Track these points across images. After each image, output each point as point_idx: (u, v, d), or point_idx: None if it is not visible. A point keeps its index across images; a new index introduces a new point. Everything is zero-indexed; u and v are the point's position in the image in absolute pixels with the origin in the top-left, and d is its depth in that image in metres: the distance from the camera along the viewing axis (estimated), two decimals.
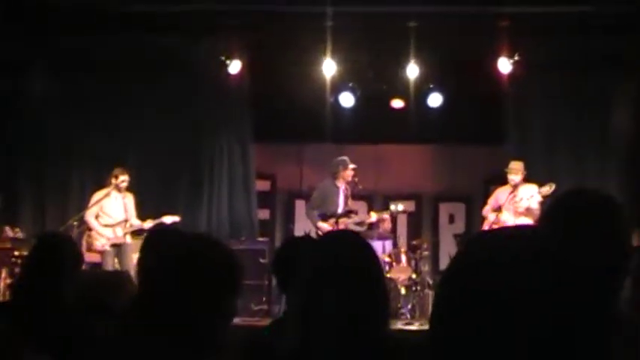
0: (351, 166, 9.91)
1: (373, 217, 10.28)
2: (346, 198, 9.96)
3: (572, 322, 0.99)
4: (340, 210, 9.90)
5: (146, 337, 1.95)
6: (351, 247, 2.22)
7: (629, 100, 10.69)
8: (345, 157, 10.04)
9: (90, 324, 3.19)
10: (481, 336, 1.00)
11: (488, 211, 9.88)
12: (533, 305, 0.99)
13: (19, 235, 9.81)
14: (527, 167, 9.72)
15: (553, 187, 9.15)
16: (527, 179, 9.59)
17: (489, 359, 1.00)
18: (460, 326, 1.03)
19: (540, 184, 9.35)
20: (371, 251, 2.29)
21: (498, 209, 9.67)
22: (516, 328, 0.99)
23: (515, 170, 9.57)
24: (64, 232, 8.24)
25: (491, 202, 9.90)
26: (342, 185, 9.99)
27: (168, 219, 9.42)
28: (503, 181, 9.73)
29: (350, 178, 9.92)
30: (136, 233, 9.59)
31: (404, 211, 10.92)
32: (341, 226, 9.62)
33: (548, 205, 2.12)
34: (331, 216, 9.78)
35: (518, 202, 9.41)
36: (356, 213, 10.25)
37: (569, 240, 1.82)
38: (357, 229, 9.94)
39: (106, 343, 2.13)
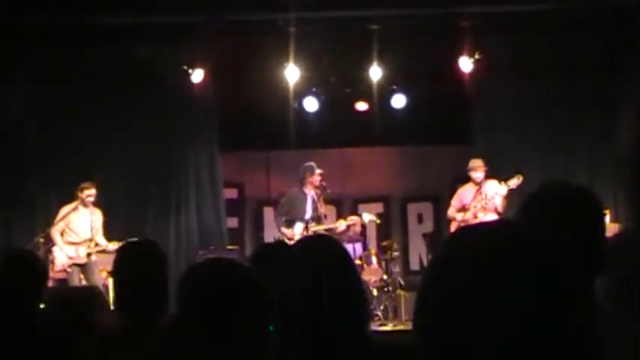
0: (318, 171, 9.92)
1: (342, 225, 10.20)
2: (315, 204, 9.95)
3: (554, 313, 0.99)
4: (308, 216, 9.89)
5: None
6: (329, 255, 2.22)
7: (595, 96, 10.81)
8: (312, 163, 10.04)
9: (70, 338, 3.16)
10: (465, 333, 1.00)
11: (453, 212, 9.92)
12: (514, 298, 0.99)
13: None
14: (493, 165, 9.80)
15: (521, 178, 9.23)
16: (489, 175, 9.65)
17: (476, 355, 1.00)
18: (443, 325, 1.03)
19: (504, 180, 9.43)
20: (347, 257, 2.30)
21: (463, 209, 9.72)
22: (499, 323, 0.99)
23: (478, 168, 9.62)
24: (29, 249, 8.11)
25: (455, 202, 9.94)
26: (309, 192, 9.99)
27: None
28: (469, 180, 9.79)
29: (318, 183, 9.92)
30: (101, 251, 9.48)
31: (375, 221, 10.83)
32: (310, 233, 9.61)
33: (525, 197, 2.14)
34: (300, 222, 9.77)
35: (485, 198, 9.47)
36: (325, 218, 10.21)
37: (545, 232, 1.84)
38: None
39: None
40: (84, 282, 9.26)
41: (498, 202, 9.38)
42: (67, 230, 9.38)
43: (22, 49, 10.37)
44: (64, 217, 9.34)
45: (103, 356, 2.76)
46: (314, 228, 9.83)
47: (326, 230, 9.96)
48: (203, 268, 2.08)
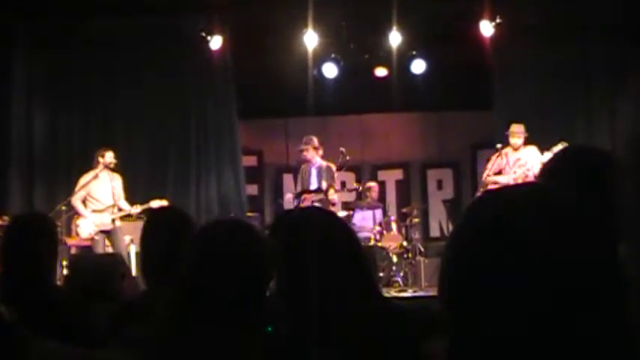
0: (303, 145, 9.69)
1: (334, 196, 9.75)
2: (319, 175, 9.62)
3: (592, 281, 0.96)
4: (311, 187, 9.64)
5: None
6: (318, 226, 2.23)
7: (617, 61, 10.64)
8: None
9: (86, 308, 3.17)
10: (492, 300, 0.98)
11: (490, 176, 9.74)
12: (553, 261, 0.96)
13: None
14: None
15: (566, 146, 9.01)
16: (527, 142, 9.46)
17: (507, 324, 0.97)
18: (468, 292, 1.00)
19: (546, 148, 9.22)
20: (339, 226, 2.30)
21: (499, 173, 9.54)
22: (529, 289, 0.96)
23: (517, 133, 9.43)
24: (37, 212, 8.11)
25: (491, 167, 9.78)
26: (313, 164, 9.68)
27: (155, 203, 9.22)
28: (491, 146, 9.66)
29: (303, 156, 9.65)
30: (125, 217, 9.54)
31: (355, 189, 10.52)
32: (306, 203, 9.37)
33: (554, 160, 2.10)
34: (302, 193, 9.60)
35: (524, 165, 9.27)
36: (328, 189, 9.78)
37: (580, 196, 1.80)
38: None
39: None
40: (109, 249, 9.32)
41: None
42: (89, 198, 9.41)
43: (53, 18, 10.41)
44: (84, 185, 9.36)
45: (115, 324, 2.77)
46: (314, 198, 9.53)
47: (320, 201, 9.60)
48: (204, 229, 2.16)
